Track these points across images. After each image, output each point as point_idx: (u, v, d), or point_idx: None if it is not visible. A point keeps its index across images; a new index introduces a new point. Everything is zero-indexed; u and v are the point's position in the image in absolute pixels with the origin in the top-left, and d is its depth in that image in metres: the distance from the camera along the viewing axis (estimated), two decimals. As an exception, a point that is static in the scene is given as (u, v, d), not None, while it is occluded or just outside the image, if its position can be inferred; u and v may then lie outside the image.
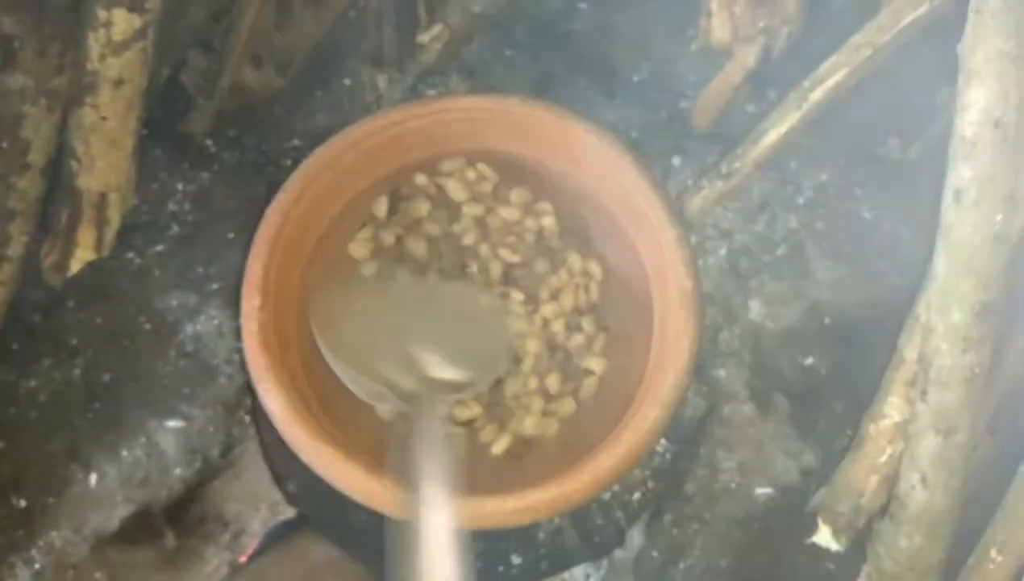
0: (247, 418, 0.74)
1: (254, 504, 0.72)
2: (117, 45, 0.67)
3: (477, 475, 0.63)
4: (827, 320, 0.79)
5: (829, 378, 0.76)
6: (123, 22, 0.66)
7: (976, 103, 0.50)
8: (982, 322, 0.54)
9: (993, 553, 0.60)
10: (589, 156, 0.69)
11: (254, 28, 0.81)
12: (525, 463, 0.64)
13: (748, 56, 0.80)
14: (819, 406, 0.75)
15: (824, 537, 0.69)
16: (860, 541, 0.67)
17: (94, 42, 0.67)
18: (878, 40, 0.70)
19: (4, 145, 0.67)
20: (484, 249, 0.69)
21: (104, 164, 0.73)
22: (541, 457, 0.64)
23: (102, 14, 0.66)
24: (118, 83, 0.69)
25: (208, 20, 0.82)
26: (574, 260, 0.69)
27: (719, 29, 0.80)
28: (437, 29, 0.84)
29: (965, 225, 0.52)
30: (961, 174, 0.52)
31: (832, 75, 0.72)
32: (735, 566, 0.70)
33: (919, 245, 0.61)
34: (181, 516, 0.72)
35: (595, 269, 0.69)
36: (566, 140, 0.70)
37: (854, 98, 0.79)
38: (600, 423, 0.64)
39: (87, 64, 0.68)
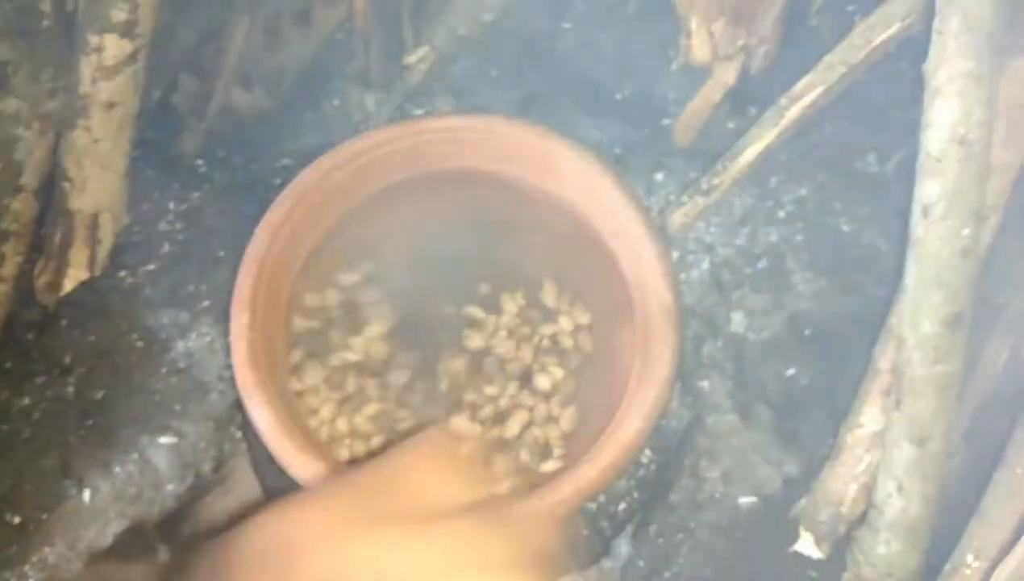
0: (238, 433, 0.75)
1: (246, 519, 0.73)
2: (108, 69, 0.68)
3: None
4: (808, 331, 0.80)
5: (810, 388, 0.77)
6: (114, 47, 0.67)
7: (941, 121, 0.52)
8: (952, 333, 0.55)
9: (969, 558, 0.61)
10: (571, 174, 0.70)
11: (243, 50, 0.82)
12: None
13: (727, 74, 0.82)
14: (801, 416, 0.76)
15: (806, 545, 0.70)
16: (841, 548, 0.68)
17: (86, 67, 0.68)
18: (851, 59, 0.72)
19: (-2, 167, 0.69)
20: None
21: (96, 185, 0.75)
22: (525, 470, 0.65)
23: (94, 39, 0.67)
24: (110, 106, 0.70)
25: (198, 43, 0.83)
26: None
27: (699, 48, 0.82)
28: (423, 50, 0.86)
29: (933, 239, 0.54)
30: (928, 190, 0.53)
31: (808, 93, 0.74)
32: (720, 574, 0.71)
33: (897, 257, 0.63)
34: (174, 531, 0.72)
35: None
36: (548, 158, 0.71)
37: (832, 114, 0.81)
38: (583, 436, 0.65)
39: (79, 88, 0.69)
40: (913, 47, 0.70)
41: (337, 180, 0.70)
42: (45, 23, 0.65)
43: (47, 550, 0.71)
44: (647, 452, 0.73)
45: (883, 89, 0.84)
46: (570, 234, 0.72)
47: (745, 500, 0.74)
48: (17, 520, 0.72)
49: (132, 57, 0.68)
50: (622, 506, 0.71)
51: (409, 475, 0.42)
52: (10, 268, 0.73)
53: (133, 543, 0.71)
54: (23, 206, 0.71)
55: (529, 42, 0.92)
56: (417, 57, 0.86)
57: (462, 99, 0.89)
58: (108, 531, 0.71)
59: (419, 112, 0.88)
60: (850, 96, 0.78)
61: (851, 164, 0.87)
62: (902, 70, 0.80)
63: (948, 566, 0.62)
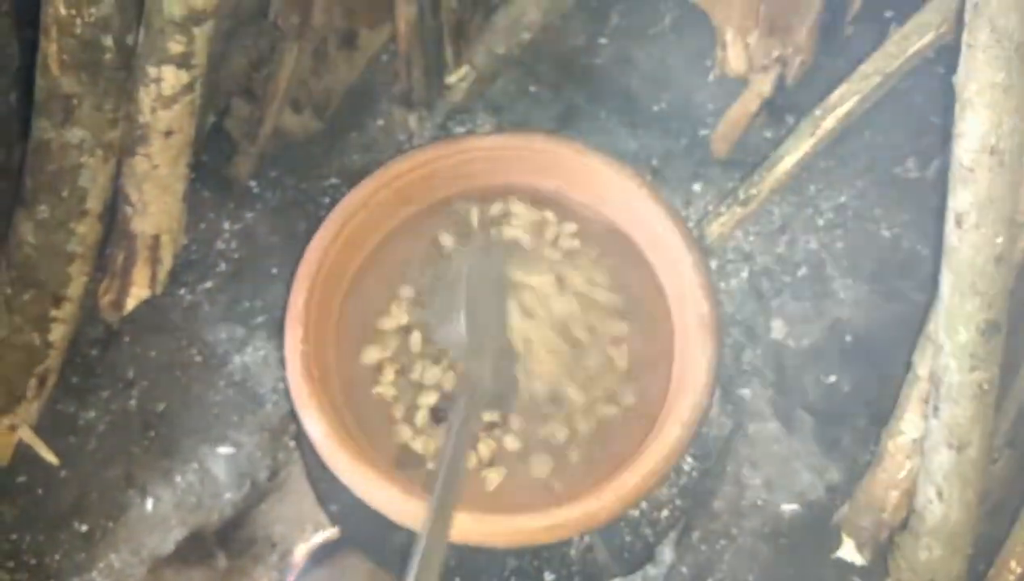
0: (292, 443, 0.78)
1: (300, 525, 0.75)
2: (167, 99, 0.71)
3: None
4: (849, 338, 0.80)
5: (852, 395, 0.78)
6: (172, 78, 0.70)
7: (971, 131, 0.52)
8: (987, 340, 0.55)
9: (1013, 564, 0.61)
10: (609, 187, 0.72)
11: (292, 75, 0.85)
12: (553, 483, 0.66)
13: (764, 84, 0.82)
14: (842, 423, 0.77)
15: (848, 551, 0.70)
16: (883, 554, 0.69)
17: (145, 97, 0.71)
18: (887, 68, 0.73)
19: (64, 193, 0.72)
20: None
21: (156, 208, 0.78)
22: (568, 477, 0.66)
23: (152, 71, 0.70)
24: (168, 134, 0.73)
25: (249, 69, 0.86)
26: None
27: (735, 60, 0.83)
28: (464, 70, 0.88)
29: (967, 247, 0.54)
30: (961, 198, 0.54)
31: (843, 102, 0.74)
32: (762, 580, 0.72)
33: (938, 263, 0.63)
34: (231, 538, 0.75)
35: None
36: (586, 173, 0.72)
37: (871, 120, 0.82)
38: (624, 443, 0.66)
39: (139, 117, 0.72)
40: (951, 53, 0.71)
41: (382, 199, 0.72)
42: (107, 56, 0.68)
43: (113, 556, 0.74)
44: (689, 460, 0.74)
45: (922, 95, 0.84)
46: (608, 245, 0.74)
47: (787, 507, 0.74)
48: (84, 528, 0.75)
49: (189, 87, 0.71)
50: (665, 513, 0.72)
51: None
52: (76, 288, 0.76)
53: (193, 549, 0.74)
54: (88, 229, 0.74)
55: (567, 58, 0.94)
56: (458, 77, 0.88)
57: (502, 116, 0.91)
58: (170, 538, 0.74)
59: (461, 130, 0.90)
60: (889, 102, 0.79)
61: (890, 170, 0.87)
62: (940, 76, 0.80)
63: (992, 571, 0.62)
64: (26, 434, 0.77)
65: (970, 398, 0.57)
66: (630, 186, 0.71)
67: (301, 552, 0.74)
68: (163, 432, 0.78)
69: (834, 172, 0.87)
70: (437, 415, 0.68)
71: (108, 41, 0.67)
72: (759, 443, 0.76)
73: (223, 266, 0.85)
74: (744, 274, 0.83)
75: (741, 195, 0.79)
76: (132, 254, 0.80)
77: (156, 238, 0.79)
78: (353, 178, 0.74)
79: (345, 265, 0.72)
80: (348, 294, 0.72)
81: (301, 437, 0.75)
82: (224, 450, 0.77)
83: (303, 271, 0.69)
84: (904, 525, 0.66)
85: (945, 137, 0.82)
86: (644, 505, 0.72)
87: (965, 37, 0.52)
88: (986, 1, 0.50)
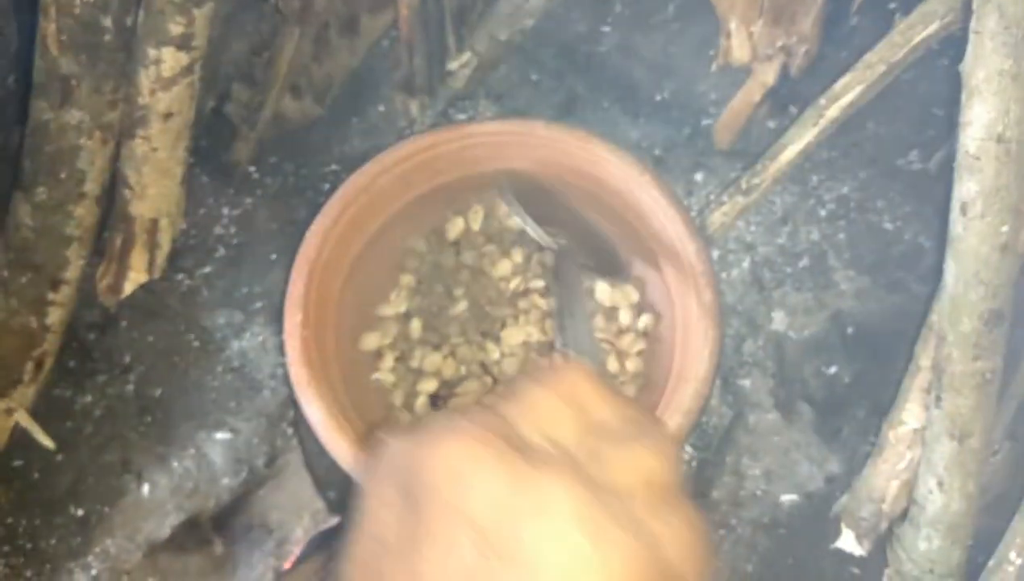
0: (290, 430, 0.78)
1: (297, 512, 0.75)
2: (166, 81, 0.71)
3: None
4: (850, 329, 0.80)
5: (852, 386, 0.78)
6: (171, 59, 0.70)
7: (979, 119, 0.52)
8: (991, 330, 0.55)
9: (1012, 555, 0.60)
10: (611, 175, 0.71)
11: (293, 60, 0.84)
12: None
13: (767, 74, 0.82)
14: (843, 414, 0.77)
15: (848, 542, 0.70)
16: (883, 545, 0.69)
17: (145, 78, 0.71)
18: (891, 57, 0.72)
19: (62, 176, 0.72)
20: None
21: (155, 192, 0.77)
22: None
23: (152, 52, 0.69)
24: (167, 116, 0.73)
25: (249, 54, 0.86)
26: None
27: (738, 49, 0.82)
28: (466, 56, 0.87)
29: (972, 236, 0.54)
30: (967, 187, 0.53)
31: (847, 92, 0.74)
32: (761, 571, 0.72)
33: (940, 254, 0.63)
34: (228, 524, 0.75)
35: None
36: (589, 160, 0.72)
37: (874, 111, 0.81)
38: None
39: (138, 99, 0.72)
40: (955, 44, 0.70)
41: (383, 184, 0.72)
42: (106, 37, 0.68)
43: (108, 541, 0.74)
44: (688, 449, 0.74)
45: (926, 86, 0.84)
46: (611, 234, 0.73)
47: (787, 497, 0.74)
48: (80, 513, 0.75)
49: (188, 69, 0.71)
50: (663, 502, 0.72)
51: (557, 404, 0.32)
52: (73, 271, 0.76)
53: (189, 535, 0.74)
54: (86, 212, 0.74)
55: (569, 46, 0.93)
56: (460, 63, 0.88)
57: (504, 103, 0.91)
58: (166, 523, 0.74)
59: (462, 117, 0.90)
60: (892, 93, 0.78)
61: (893, 161, 0.87)
62: (945, 67, 0.80)
63: (991, 563, 0.62)
64: (22, 418, 0.76)
65: (972, 388, 0.57)
66: (632, 174, 0.70)
67: (298, 539, 0.74)
68: (160, 417, 0.78)
69: (837, 163, 0.86)
70: (436, 402, 0.68)
71: (107, 22, 0.67)
72: (759, 433, 0.76)
73: (222, 251, 0.85)
74: (746, 264, 0.83)
75: (743, 185, 0.79)
76: (130, 238, 0.79)
77: (154, 222, 0.79)
78: (353, 164, 0.73)
79: (345, 251, 0.71)
80: (348, 280, 0.72)
81: (299, 423, 0.75)
82: (221, 436, 0.77)
83: (303, 256, 0.68)
84: (904, 516, 0.66)
85: (949, 129, 0.82)
86: (643, 494, 0.71)
87: (973, 24, 0.52)
88: (995, -12, 0.50)
